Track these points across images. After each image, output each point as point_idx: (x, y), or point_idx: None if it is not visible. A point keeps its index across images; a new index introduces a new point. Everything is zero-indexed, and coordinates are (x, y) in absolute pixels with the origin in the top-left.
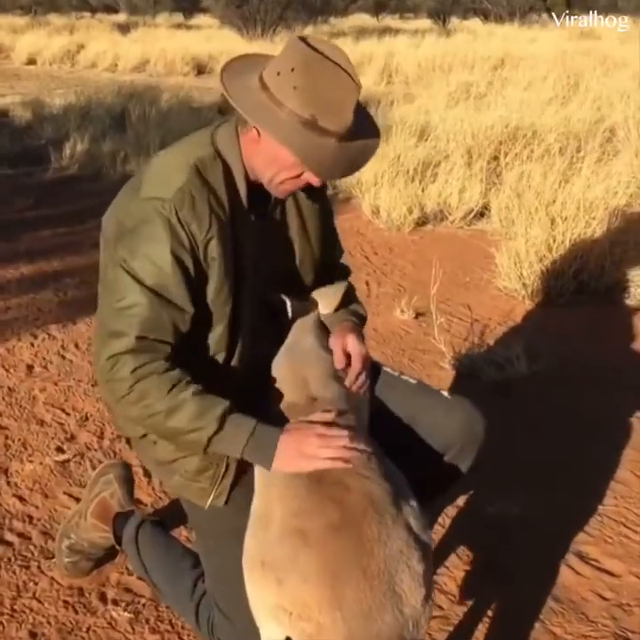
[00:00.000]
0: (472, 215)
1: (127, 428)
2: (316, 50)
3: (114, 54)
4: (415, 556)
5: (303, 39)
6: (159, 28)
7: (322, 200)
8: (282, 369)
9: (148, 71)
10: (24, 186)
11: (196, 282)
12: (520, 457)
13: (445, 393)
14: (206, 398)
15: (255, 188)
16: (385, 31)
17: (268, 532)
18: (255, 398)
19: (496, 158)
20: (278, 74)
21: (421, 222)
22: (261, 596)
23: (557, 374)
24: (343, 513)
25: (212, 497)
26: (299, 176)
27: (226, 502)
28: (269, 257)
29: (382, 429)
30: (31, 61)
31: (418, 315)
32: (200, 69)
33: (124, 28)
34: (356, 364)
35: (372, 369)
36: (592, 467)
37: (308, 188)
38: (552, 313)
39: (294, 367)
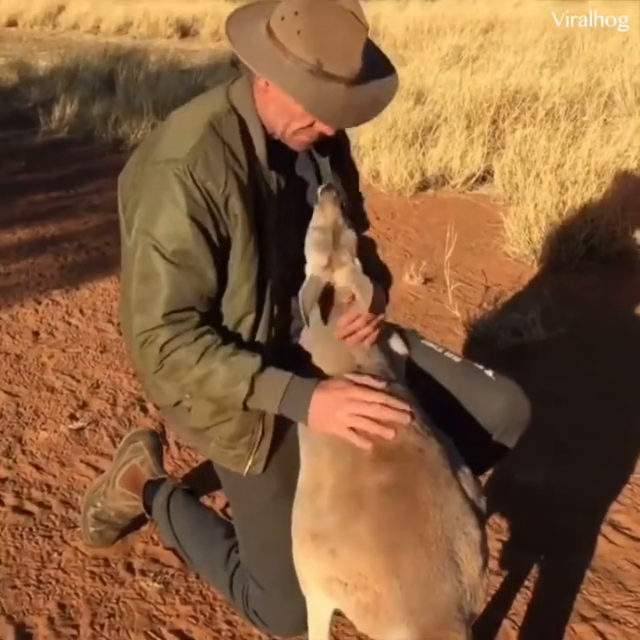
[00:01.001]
0: (474, 180)
1: (160, 396)
2: None
3: (96, 16)
4: (471, 522)
5: None
6: None
7: (339, 151)
8: (317, 344)
9: (132, 33)
10: (14, 149)
11: (218, 242)
12: (543, 425)
13: (490, 372)
14: (236, 361)
15: (273, 142)
16: None
17: (316, 502)
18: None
19: (495, 122)
20: (282, 18)
21: (423, 187)
22: (312, 569)
23: (573, 339)
24: (396, 473)
25: (249, 463)
26: (311, 125)
27: (264, 469)
28: (291, 210)
29: (426, 407)
30: (12, 23)
31: (426, 280)
32: (184, 32)
33: None
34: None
35: (413, 339)
36: (617, 433)
37: (323, 142)
38: (562, 278)
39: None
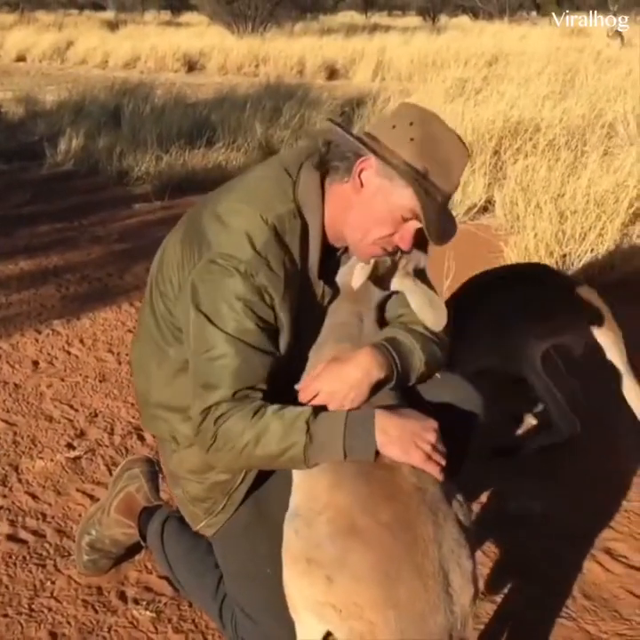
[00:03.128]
0: (476, 210)
1: (151, 426)
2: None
3: (103, 51)
4: (464, 553)
5: (411, 104)
6: (148, 26)
7: None
8: None
9: (139, 68)
10: (20, 181)
11: (272, 331)
12: (538, 453)
13: (437, 374)
14: (287, 413)
15: (329, 251)
16: (375, 28)
17: (314, 528)
18: None
19: (497, 153)
20: (394, 127)
21: None
22: (305, 594)
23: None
24: (397, 511)
25: (201, 525)
26: (391, 235)
27: (214, 535)
28: None
29: None
30: (21, 58)
31: None
32: (191, 66)
33: (112, 26)
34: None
35: None
36: (612, 470)
37: None
38: None
39: None
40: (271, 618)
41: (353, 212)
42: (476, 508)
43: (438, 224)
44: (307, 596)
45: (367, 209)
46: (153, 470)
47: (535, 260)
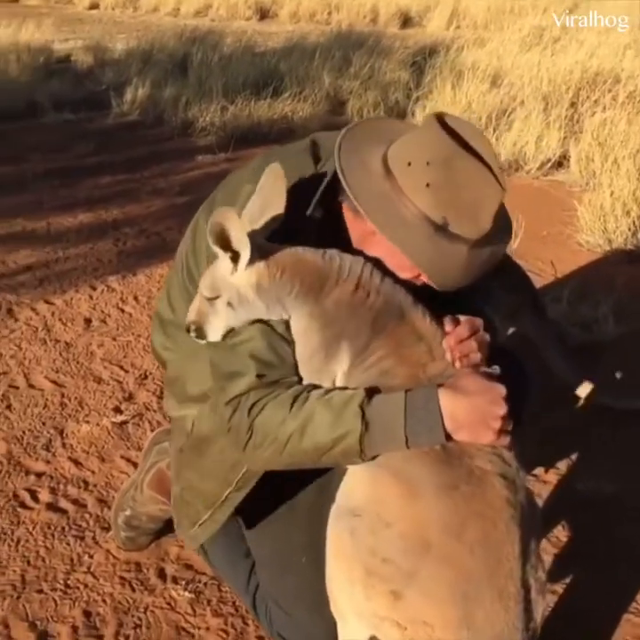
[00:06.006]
0: (549, 165)
1: (168, 406)
2: (456, 137)
3: None
4: (539, 565)
5: (442, 119)
6: None
7: None
8: None
9: (211, 15)
10: (85, 131)
11: None
12: (610, 429)
13: None
14: (335, 397)
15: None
16: None
17: (379, 539)
18: None
19: (574, 105)
20: (409, 164)
21: None
22: (357, 602)
23: None
24: (483, 530)
25: (182, 529)
26: (417, 276)
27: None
28: None
29: None
30: (94, 6)
31: None
32: (263, 13)
33: None
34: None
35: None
36: None
37: None
38: (638, 270)
39: None
40: (305, 609)
41: (374, 250)
42: (538, 488)
43: (460, 275)
44: (361, 607)
45: (385, 252)
46: None
47: (611, 220)
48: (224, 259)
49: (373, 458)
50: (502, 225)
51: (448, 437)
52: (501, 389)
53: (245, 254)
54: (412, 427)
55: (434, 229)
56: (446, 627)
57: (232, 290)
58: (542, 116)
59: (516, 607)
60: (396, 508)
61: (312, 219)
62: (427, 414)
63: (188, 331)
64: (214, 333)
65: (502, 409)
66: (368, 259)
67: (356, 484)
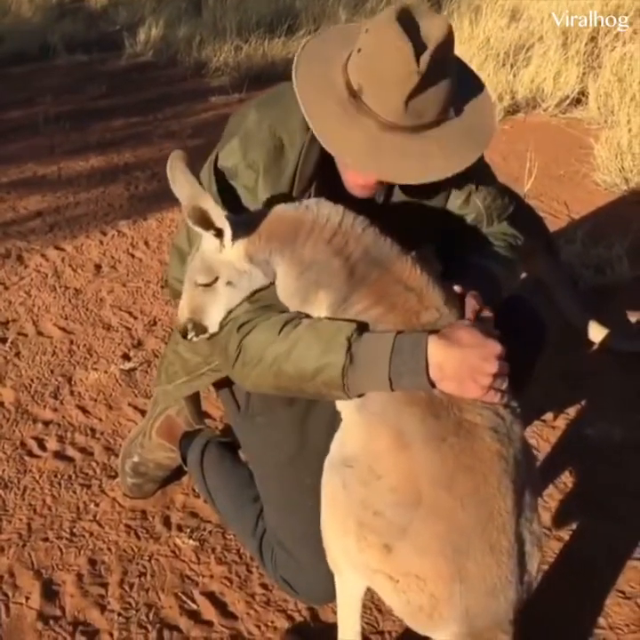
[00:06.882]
0: (568, 102)
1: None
2: (403, 16)
3: None
4: (536, 518)
5: (406, 5)
6: None
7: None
8: None
9: None
10: (97, 73)
11: None
12: (621, 374)
13: None
14: (324, 327)
15: None
16: None
17: (370, 491)
18: None
19: (594, 39)
20: (366, 31)
21: (512, 110)
22: (351, 556)
23: None
24: (474, 484)
25: (158, 382)
26: (376, 184)
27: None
28: None
29: None
30: None
31: None
32: None
33: None
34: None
35: None
36: None
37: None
38: None
39: None
40: (309, 553)
41: (344, 175)
42: (546, 433)
43: (371, 158)
44: (353, 560)
45: (344, 172)
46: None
47: (628, 158)
48: (209, 238)
49: (370, 411)
50: (467, 109)
51: (433, 385)
52: (496, 347)
53: (228, 228)
54: (396, 367)
55: (348, 94)
56: (438, 580)
57: (229, 267)
58: (561, 51)
59: (508, 561)
60: (387, 460)
61: (308, 158)
62: (411, 358)
63: (184, 333)
64: (213, 324)
65: (493, 367)
66: (354, 208)
67: (349, 433)
